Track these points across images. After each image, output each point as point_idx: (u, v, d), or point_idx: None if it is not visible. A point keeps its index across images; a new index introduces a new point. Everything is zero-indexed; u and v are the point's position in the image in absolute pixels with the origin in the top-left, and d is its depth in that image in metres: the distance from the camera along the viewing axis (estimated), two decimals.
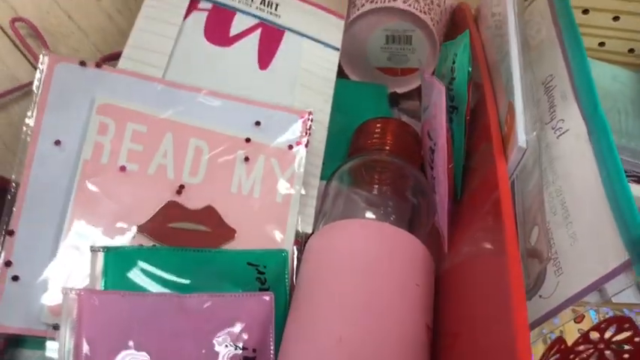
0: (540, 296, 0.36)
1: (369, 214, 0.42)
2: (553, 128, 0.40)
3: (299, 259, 0.41)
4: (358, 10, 0.52)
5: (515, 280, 0.28)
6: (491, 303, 0.31)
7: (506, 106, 0.37)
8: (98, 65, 0.41)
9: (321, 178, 0.45)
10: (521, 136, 0.33)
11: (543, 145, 0.39)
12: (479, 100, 0.42)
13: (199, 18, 0.47)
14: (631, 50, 0.64)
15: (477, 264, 0.35)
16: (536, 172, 0.36)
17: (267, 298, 0.38)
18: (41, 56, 0.40)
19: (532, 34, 0.47)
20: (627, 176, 0.33)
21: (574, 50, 0.41)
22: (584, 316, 0.35)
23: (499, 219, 0.32)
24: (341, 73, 0.55)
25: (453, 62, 0.40)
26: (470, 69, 0.39)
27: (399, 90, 0.57)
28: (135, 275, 0.38)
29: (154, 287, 0.37)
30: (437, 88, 0.37)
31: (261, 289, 0.39)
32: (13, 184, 0.38)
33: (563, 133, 0.39)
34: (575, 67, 0.40)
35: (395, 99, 0.57)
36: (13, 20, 0.45)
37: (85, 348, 0.33)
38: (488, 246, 0.34)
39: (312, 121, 0.45)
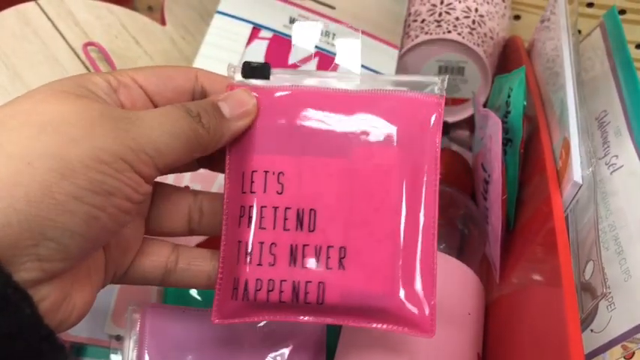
0: (592, 330, 0.36)
1: None
2: (607, 164, 0.40)
3: None
4: (412, 40, 0.53)
5: (570, 310, 0.29)
6: (545, 333, 0.31)
7: (561, 141, 0.38)
8: None
9: None
10: (577, 172, 0.34)
11: (597, 180, 0.40)
12: (532, 133, 0.42)
13: (260, 46, 0.49)
14: None
15: (529, 294, 0.36)
16: (591, 208, 0.36)
17: None
18: None
19: (586, 68, 0.47)
20: None
21: (629, 86, 0.41)
22: (633, 353, 0.35)
23: (554, 250, 0.32)
24: None
25: (509, 96, 0.41)
26: (525, 103, 0.40)
27: (450, 119, 0.57)
28: (194, 291, 0.39)
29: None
30: (493, 122, 0.38)
31: None
32: None
33: (617, 169, 0.39)
34: (630, 103, 0.40)
35: (445, 128, 0.58)
36: (86, 44, 0.48)
37: None
38: (542, 277, 0.34)
39: None
